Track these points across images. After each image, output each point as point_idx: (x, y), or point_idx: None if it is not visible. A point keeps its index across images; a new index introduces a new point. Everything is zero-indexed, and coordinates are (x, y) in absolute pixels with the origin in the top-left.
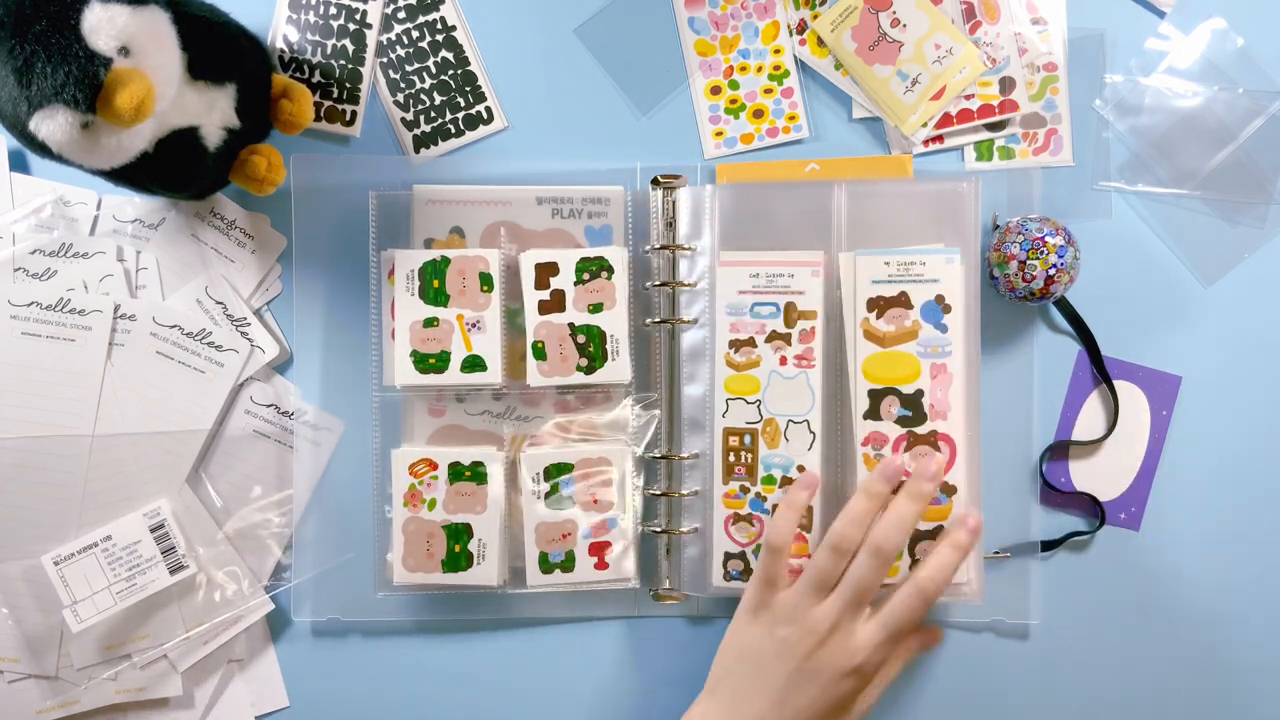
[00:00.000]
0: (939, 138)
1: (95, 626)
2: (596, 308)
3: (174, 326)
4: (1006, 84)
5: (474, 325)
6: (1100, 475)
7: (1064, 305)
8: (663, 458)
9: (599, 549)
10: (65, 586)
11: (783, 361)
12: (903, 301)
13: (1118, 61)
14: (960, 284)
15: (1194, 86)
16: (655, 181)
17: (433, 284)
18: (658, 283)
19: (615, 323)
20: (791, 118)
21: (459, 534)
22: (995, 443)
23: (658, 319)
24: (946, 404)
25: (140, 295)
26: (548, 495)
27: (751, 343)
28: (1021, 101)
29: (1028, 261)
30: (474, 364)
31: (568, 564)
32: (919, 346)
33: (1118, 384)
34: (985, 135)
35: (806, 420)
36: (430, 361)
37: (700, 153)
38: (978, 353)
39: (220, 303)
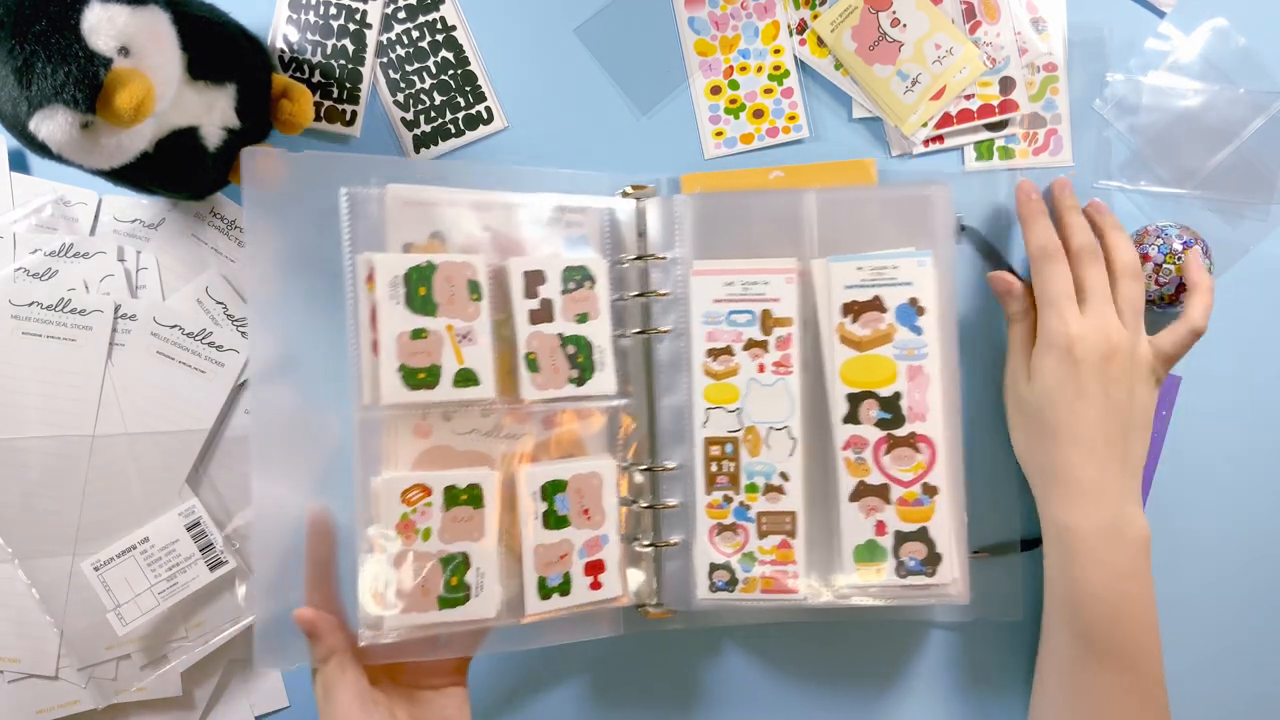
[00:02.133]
0: (939, 138)
1: (101, 626)
2: (583, 318)
3: (174, 326)
4: (1006, 84)
5: (464, 336)
6: None
7: None
8: (646, 469)
9: (594, 568)
10: (107, 591)
11: (761, 369)
12: (877, 305)
13: (1118, 61)
14: (933, 286)
15: (1195, 85)
16: (625, 193)
17: (419, 291)
18: (634, 294)
19: (600, 333)
20: (791, 118)
21: (456, 566)
22: (980, 443)
23: (635, 330)
24: (925, 405)
25: (140, 295)
26: (545, 514)
27: (729, 351)
28: (1021, 101)
29: (1163, 265)
30: (466, 378)
31: (565, 587)
32: (894, 349)
33: None
34: (985, 135)
35: (787, 427)
36: (420, 376)
37: (700, 153)
38: (955, 354)
39: (220, 303)
